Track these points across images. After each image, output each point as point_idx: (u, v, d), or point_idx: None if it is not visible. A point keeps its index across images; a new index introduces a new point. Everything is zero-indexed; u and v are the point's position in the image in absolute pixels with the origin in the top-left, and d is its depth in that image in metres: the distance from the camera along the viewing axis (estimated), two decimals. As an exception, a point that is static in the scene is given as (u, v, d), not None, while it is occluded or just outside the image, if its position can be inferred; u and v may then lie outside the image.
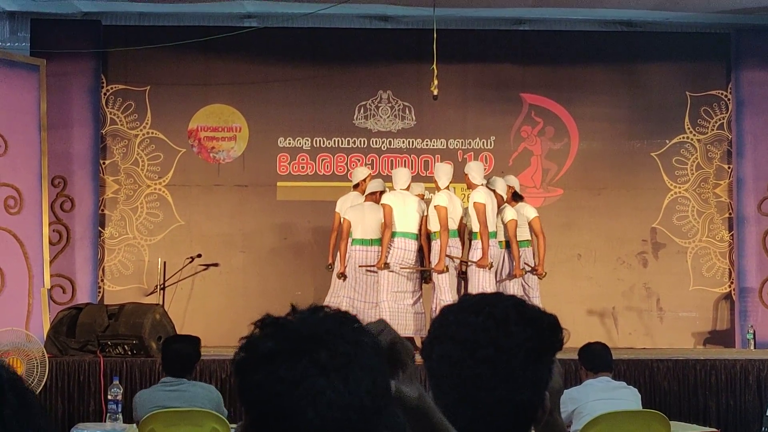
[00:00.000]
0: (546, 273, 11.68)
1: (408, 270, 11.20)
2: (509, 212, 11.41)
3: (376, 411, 1.68)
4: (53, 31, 13.50)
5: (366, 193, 11.69)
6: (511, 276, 11.41)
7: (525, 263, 11.56)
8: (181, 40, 13.23)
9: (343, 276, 11.47)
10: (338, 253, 11.62)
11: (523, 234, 11.61)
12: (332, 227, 12.01)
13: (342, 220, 11.62)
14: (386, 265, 11.09)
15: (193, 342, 7.34)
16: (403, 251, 11.17)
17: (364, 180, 11.93)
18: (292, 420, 1.63)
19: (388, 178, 12.20)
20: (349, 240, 11.48)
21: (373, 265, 11.26)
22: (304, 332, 1.66)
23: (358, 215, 11.47)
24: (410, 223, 11.22)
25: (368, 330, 1.75)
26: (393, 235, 11.14)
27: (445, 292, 10.96)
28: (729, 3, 13.12)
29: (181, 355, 7.22)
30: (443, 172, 11.51)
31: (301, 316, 1.71)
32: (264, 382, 1.64)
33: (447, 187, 11.36)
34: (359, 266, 11.39)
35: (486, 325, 2.07)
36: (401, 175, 11.59)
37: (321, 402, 1.62)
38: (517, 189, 11.93)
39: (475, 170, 11.42)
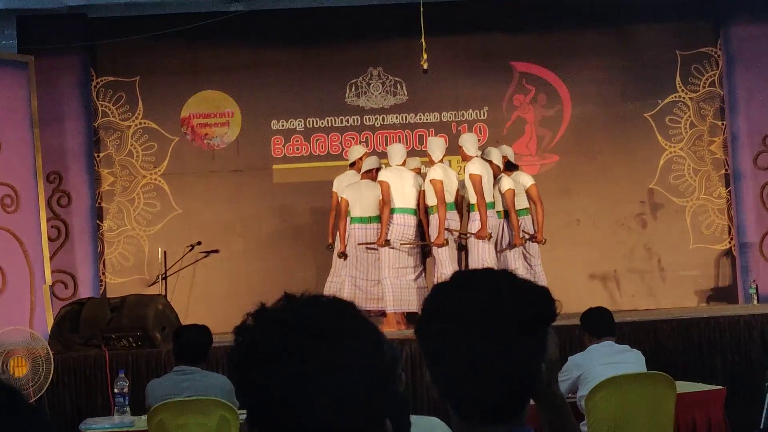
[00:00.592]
0: (546, 239, 11.70)
1: (408, 245, 11.21)
2: (506, 182, 11.41)
3: (380, 401, 1.68)
4: (40, 27, 13.46)
5: (362, 171, 11.70)
6: (511, 245, 11.42)
7: (524, 231, 11.56)
8: (168, 29, 13.20)
9: (343, 255, 11.47)
10: (338, 233, 11.63)
11: (521, 202, 11.61)
12: (330, 207, 12.03)
13: (340, 199, 11.63)
14: (387, 242, 11.10)
15: (204, 330, 7.37)
16: (403, 227, 11.18)
17: (361, 158, 11.93)
18: (296, 416, 1.63)
19: (383, 155, 12.20)
20: (348, 219, 11.49)
21: (374, 243, 11.27)
22: (303, 327, 1.66)
23: (355, 193, 11.47)
24: (408, 198, 11.22)
25: (366, 318, 1.75)
26: (392, 211, 11.15)
27: (446, 265, 10.97)
28: (714, -41, 13.09)
29: (194, 344, 7.24)
30: (436, 145, 11.51)
31: (299, 309, 1.71)
32: (265, 380, 1.64)
33: (441, 161, 11.36)
34: (359, 244, 11.40)
35: (479, 300, 2.07)
36: (396, 151, 11.57)
37: (325, 397, 1.63)
38: (512, 158, 11.93)
39: (469, 142, 11.42)
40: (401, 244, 11.17)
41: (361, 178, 11.66)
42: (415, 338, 2.13)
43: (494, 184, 11.32)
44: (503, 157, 11.70)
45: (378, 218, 11.31)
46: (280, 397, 1.63)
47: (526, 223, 11.70)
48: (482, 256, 10.94)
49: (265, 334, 1.67)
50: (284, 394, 1.63)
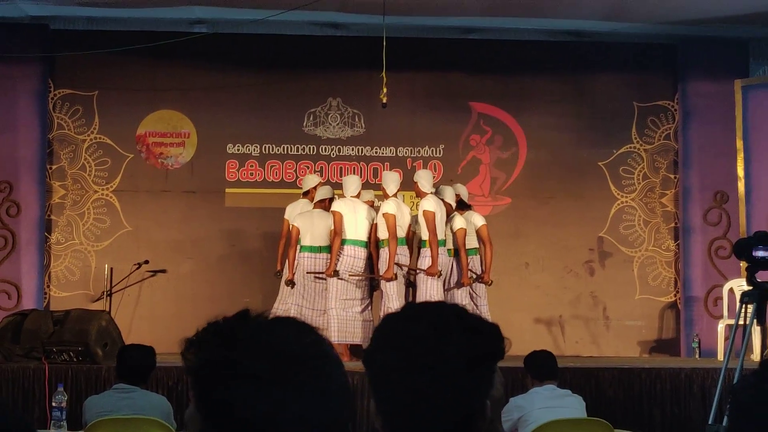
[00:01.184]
0: (492, 281, 11.73)
1: (357, 277, 11.20)
2: (458, 221, 11.44)
3: (343, 422, 1.69)
4: (0, 35, 13.38)
5: (315, 201, 11.70)
6: (459, 284, 11.44)
7: (472, 271, 11.59)
8: (129, 45, 13.16)
9: (291, 283, 11.45)
10: (287, 260, 11.60)
11: (471, 242, 11.65)
12: (281, 234, 12.02)
13: (291, 227, 11.62)
14: (335, 273, 11.09)
15: (149, 351, 7.32)
16: (353, 259, 11.18)
17: (314, 188, 11.93)
18: None
19: (337, 186, 12.21)
20: (298, 247, 11.48)
21: (322, 272, 11.25)
22: (266, 348, 1.66)
23: (307, 222, 11.47)
24: (360, 230, 11.22)
25: (324, 344, 1.75)
26: (343, 242, 11.15)
27: (393, 299, 10.97)
28: (675, 14, 13.22)
29: (138, 365, 7.19)
30: (391, 179, 11.53)
31: (260, 329, 1.70)
32: (228, 400, 1.63)
33: (395, 195, 11.38)
34: (307, 273, 11.38)
35: (427, 333, 2.08)
36: (351, 182, 11.58)
37: (288, 419, 1.63)
38: (465, 197, 11.96)
39: (424, 178, 11.44)
40: (350, 276, 11.16)
41: (314, 207, 11.66)
42: (358, 370, 2.14)
43: (446, 222, 11.35)
44: (456, 195, 11.74)
45: (328, 248, 11.31)
46: (242, 417, 1.63)
47: (475, 263, 11.73)
48: (430, 293, 10.95)
49: (247, 354, 1.66)
50: (246, 415, 1.63)
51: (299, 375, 1.65)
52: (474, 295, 11.68)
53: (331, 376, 1.69)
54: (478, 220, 11.82)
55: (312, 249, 11.42)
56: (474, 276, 11.61)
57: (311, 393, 1.65)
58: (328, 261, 11.19)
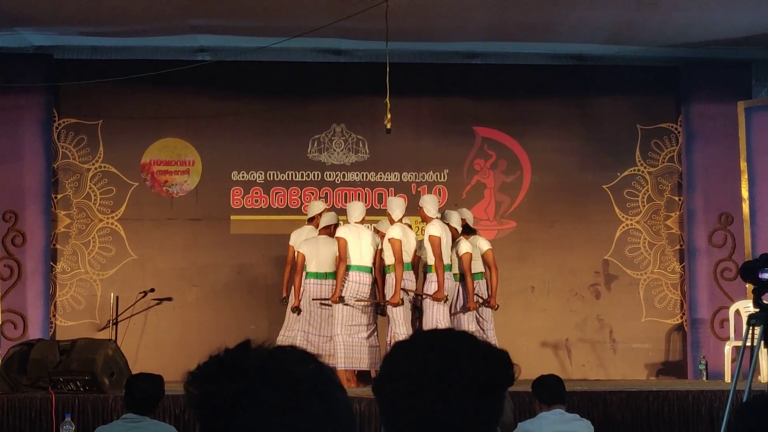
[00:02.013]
0: (498, 305, 11.73)
1: (363, 303, 11.20)
2: (464, 245, 11.45)
3: None
4: (4, 65, 13.42)
5: (320, 227, 11.72)
6: (465, 309, 11.43)
7: (478, 296, 11.59)
8: (133, 74, 13.19)
9: (297, 310, 11.45)
10: (292, 287, 11.60)
11: (477, 266, 11.66)
12: (286, 261, 12.01)
13: (296, 253, 11.63)
14: (341, 299, 11.09)
15: (157, 381, 7.31)
16: (358, 284, 11.18)
17: (320, 214, 11.95)
18: None
19: (342, 212, 12.23)
20: (304, 273, 11.49)
21: (328, 299, 11.26)
22: (303, 380, 1.67)
23: (312, 249, 11.48)
24: (365, 256, 11.24)
25: (327, 369, 1.76)
26: (348, 268, 11.16)
27: (399, 325, 10.97)
28: (677, 37, 13.25)
29: (146, 394, 7.18)
30: (396, 204, 11.54)
31: (262, 357, 1.71)
32: (235, 430, 1.65)
33: (400, 220, 11.38)
34: (313, 299, 11.39)
35: (437, 361, 2.08)
36: (355, 208, 11.59)
37: None
38: (470, 222, 11.97)
39: (429, 203, 11.45)
40: (356, 301, 11.16)
41: (319, 234, 11.68)
42: (365, 396, 2.14)
43: (452, 247, 11.36)
44: (462, 220, 11.75)
45: (333, 274, 11.32)
46: None
47: (481, 287, 11.73)
48: (436, 318, 10.95)
49: (250, 384, 1.67)
50: None
51: (304, 401, 1.66)
52: (480, 319, 11.68)
53: (335, 401, 1.70)
54: (483, 244, 11.84)
55: (317, 275, 11.43)
56: (480, 300, 11.61)
57: (317, 419, 1.66)
58: (334, 287, 11.20)
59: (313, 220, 12.00)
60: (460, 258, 11.39)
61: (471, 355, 2.11)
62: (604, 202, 14.08)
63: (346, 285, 11.14)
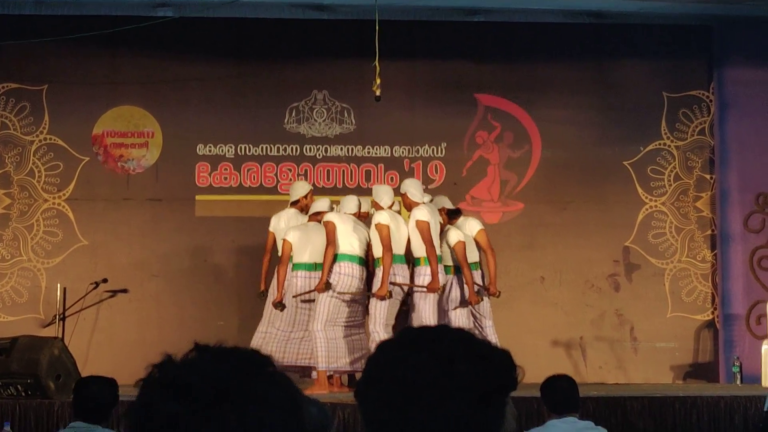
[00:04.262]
0: (500, 292, 11.66)
1: (349, 295, 11.17)
2: (454, 234, 11.41)
3: None
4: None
5: (310, 213, 11.67)
6: (465, 303, 11.40)
7: (478, 285, 11.55)
8: (83, 32, 13.16)
9: (281, 305, 11.38)
10: (273, 279, 11.55)
11: (472, 255, 11.59)
12: (265, 249, 11.96)
13: (282, 242, 11.56)
14: (327, 285, 11.03)
15: (111, 385, 7.31)
16: (349, 278, 11.13)
17: (305, 196, 11.91)
18: None
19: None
20: (290, 265, 11.44)
21: (312, 291, 11.19)
22: (208, 391, 1.67)
23: (302, 237, 11.43)
24: (355, 244, 11.18)
25: (286, 379, 1.75)
26: (338, 258, 11.11)
27: (377, 323, 10.96)
28: (710, -9, 13.27)
29: (98, 400, 7.18)
30: (384, 191, 11.50)
31: (205, 367, 1.71)
32: None
33: (390, 207, 11.33)
34: (294, 296, 11.33)
35: (429, 363, 2.07)
36: (350, 201, 11.58)
37: None
38: (449, 207, 11.84)
39: (413, 186, 11.43)
40: (338, 293, 11.11)
41: (309, 221, 11.62)
42: (350, 402, 2.14)
43: (441, 238, 11.33)
44: (441, 209, 11.66)
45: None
46: None
47: (476, 277, 11.67)
48: (426, 315, 10.93)
49: (163, 394, 1.68)
50: None
51: (205, 414, 1.66)
52: (477, 314, 11.63)
53: (255, 416, 1.69)
54: (474, 225, 11.74)
55: (308, 267, 11.37)
56: (482, 291, 11.55)
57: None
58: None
59: (296, 203, 11.94)
60: (452, 248, 11.36)
61: (467, 356, 2.09)
62: (624, 180, 14.09)
63: (336, 277, 11.09)
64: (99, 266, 13.44)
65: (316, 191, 12.33)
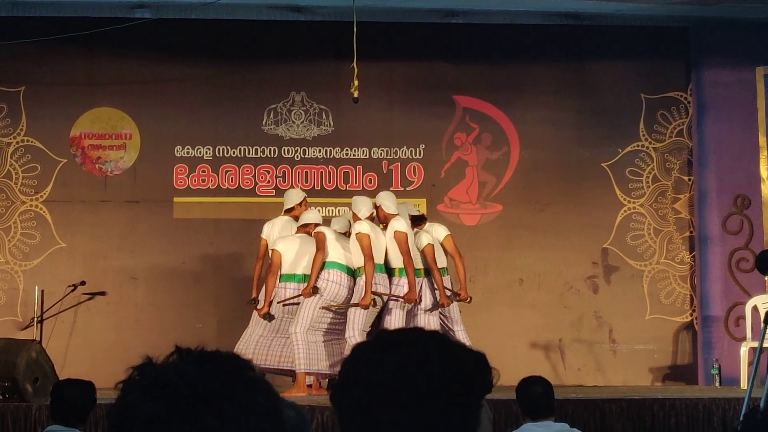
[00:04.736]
0: (471, 297, 11.66)
1: (334, 308, 11.19)
2: (423, 237, 11.46)
3: None
4: None
5: (299, 224, 11.68)
6: (435, 306, 11.39)
7: (449, 289, 11.55)
8: (61, 33, 13.12)
9: (269, 317, 11.41)
10: (264, 289, 11.55)
11: (440, 260, 11.60)
12: (257, 255, 11.95)
13: (271, 251, 11.56)
14: (315, 289, 11.03)
15: (88, 388, 7.30)
16: (338, 286, 11.19)
17: (300, 204, 11.92)
18: None
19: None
20: (279, 275, 11.45)
21: (297, 296, 11.19)
22: (187, 392, 1.68)
23: (290, 248, 11.43)
24: (346, 255, 11.22)
25: (265, 383, 1.76)
26: (327, 265, 11.13)
27: (354, 328, 10.98)
28: (688, -7, 13.30)
29: (75, 403, 7.17)
30: (362, 203, 11.53)
31: (184, 369, 1.72)
32: None
33: (369, 218, 11.35)
34: (278, 302, 11.34)
35: (403, 365, 2.07)
36: (340, 221, 11.78)
37: None
38: (413, 213, 11.88)
39: (387, 199, 11.46)
40: (322, 308, 11.13)
41: (297, 232, 11.63)
42: (327, 405, 2.15)
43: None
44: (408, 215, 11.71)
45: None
46: None
47: (446, 283, 11.67)
48: (394, 323, 10.98)
49: (143, 395, 1.69)
50: None
51: (185, 414, 1.67)
52: (445, 318, 11.63)
53: (232, 416, 1.70)
54: (440, 231, 11.75)
55: (296, 278, 11.37)
56: (451, 295, 11.54)
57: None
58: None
59: (291, 211, 11.93)
60: (422, 252, 11.39)
61: (442, 358, 2.10)
62: (603, 182, 14.11)
63: (324, 284, 11.13)
64: (77, 268, 13.41)
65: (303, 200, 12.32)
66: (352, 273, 11.29)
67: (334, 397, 2.16)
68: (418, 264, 11.41)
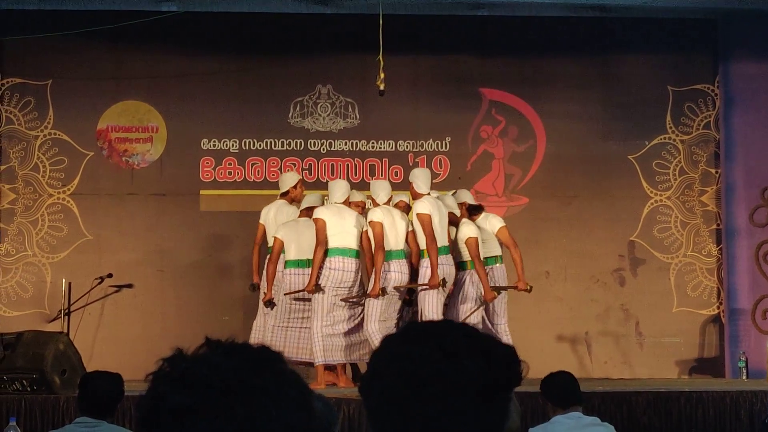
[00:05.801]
0: (531, 286, 11.54)
1: (346, 299, 11.12)
2: (466, 229, 11.29)
3: None
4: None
5: (301, 208, 11.64)
6: (478, 301, 11.28)
7: (496, 283, 11.49)
8: (88, 27, 13.15)
9: (270, 304, 11.37)
10: (264, 276, 11.52)
11: (491, 249, 11.55)
12: (255, 240, 11.98)
13: (272, 239, 11.53)
14: (317, 287, 11.00)
15: (116, 380, 7.31)
16: (341, 272, 11.07)
17: (295, 187, 11.89)
18: None
19: (328, 186, 12.22)
20: (282, 262, 11.41)
21: (302, 290, 11.14)
22: (217, 384, 1.68)
23: (292, 233, 11.39)
24: (348, 238, 11.11)
25: (292, 376, 1.76)
26: (330, 253, 11.06)
27: (371, 320, 10.93)
28: (715, -15, 13.26)
29: (103, 395, 7.18)
30: (381, 187, 11.42)
31: (215, 361, 1.72)
32: None
33: (387, 203, 11.26)
34: (285, 294, 11.30)
35: (433, 358, 2.07)
36: (338, 188, 11.49)
37: None
38: (470, 202, 11.81)
39: (420, 178, 11.32)
40: (335, 296, 11.07)
41: (299, 216, 11.58)
42: (354, 397, 2.14)
43: (456, 232, 11.29)
44: (462, 203, 11.61)
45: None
46: None
47: (494, 273, 11.60)
48: (433, 312, 10.85)
49: (172, 387, 1.69)
50: None
51: (216, 406, 1.67)
52: (492, 312, 11.55)
53: (262, 407, 1.70)
54: (495, 222, 11.69)
55: (299, 263, 11.33)
56: (498, 289, 11.43)
57: (234, 424, 1.67)
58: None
59: (286, 194, 11.92)
60: (465, 243, 11.27)
61: (472, 351, 2.09)
62: (629, 175, 14.08)
63: (327, 273, 11.04)
64: (104, 261, 13.44)
65: (320, 186, 12.34)
66: (356, 254, 11.22)
67: (363, 388, 2.16)
68: (467, 256, 11.30)
